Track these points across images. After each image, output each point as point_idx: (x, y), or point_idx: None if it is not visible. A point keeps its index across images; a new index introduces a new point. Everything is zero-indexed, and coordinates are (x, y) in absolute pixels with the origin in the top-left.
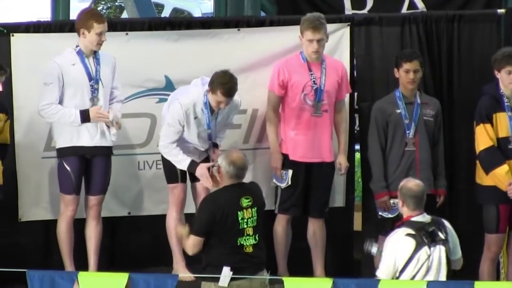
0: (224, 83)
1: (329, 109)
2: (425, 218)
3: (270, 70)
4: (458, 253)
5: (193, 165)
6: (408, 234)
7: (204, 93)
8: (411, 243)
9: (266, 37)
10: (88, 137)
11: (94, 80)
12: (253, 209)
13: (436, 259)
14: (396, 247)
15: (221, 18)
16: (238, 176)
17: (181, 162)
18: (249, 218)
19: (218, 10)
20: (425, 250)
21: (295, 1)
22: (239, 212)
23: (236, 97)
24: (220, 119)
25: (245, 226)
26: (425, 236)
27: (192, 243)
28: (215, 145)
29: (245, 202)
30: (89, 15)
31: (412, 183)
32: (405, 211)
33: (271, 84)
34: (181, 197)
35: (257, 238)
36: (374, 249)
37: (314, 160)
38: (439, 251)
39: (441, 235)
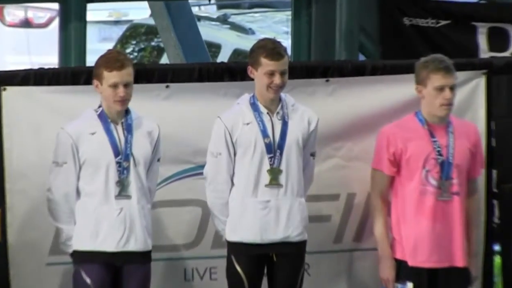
0: (263, 45)
1: (461, 191)
2: None
3: (373, 139)
4: None
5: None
6: None
7: (250, 99)
8: None
9: (366, 90)
10: (113, 238)
11: (122, 155)
12: None
13: None
14: None
15: (303, 64)
16: None
17: (221, 223)
18: None
19: (298, 52)
20: None
21: (408, 40)
22: None
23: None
24: (292, 124)
25: None
26: None
27: None
28: None
29: None
30: (101, 61)
31: None
32: None
33: (376, 159)
34: None
35: None
36: None
37: (441, 265)
38: None
39: None
